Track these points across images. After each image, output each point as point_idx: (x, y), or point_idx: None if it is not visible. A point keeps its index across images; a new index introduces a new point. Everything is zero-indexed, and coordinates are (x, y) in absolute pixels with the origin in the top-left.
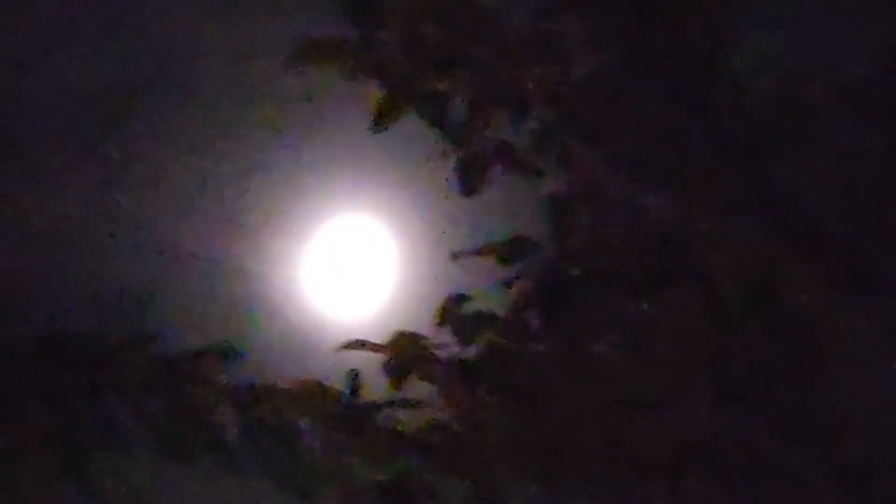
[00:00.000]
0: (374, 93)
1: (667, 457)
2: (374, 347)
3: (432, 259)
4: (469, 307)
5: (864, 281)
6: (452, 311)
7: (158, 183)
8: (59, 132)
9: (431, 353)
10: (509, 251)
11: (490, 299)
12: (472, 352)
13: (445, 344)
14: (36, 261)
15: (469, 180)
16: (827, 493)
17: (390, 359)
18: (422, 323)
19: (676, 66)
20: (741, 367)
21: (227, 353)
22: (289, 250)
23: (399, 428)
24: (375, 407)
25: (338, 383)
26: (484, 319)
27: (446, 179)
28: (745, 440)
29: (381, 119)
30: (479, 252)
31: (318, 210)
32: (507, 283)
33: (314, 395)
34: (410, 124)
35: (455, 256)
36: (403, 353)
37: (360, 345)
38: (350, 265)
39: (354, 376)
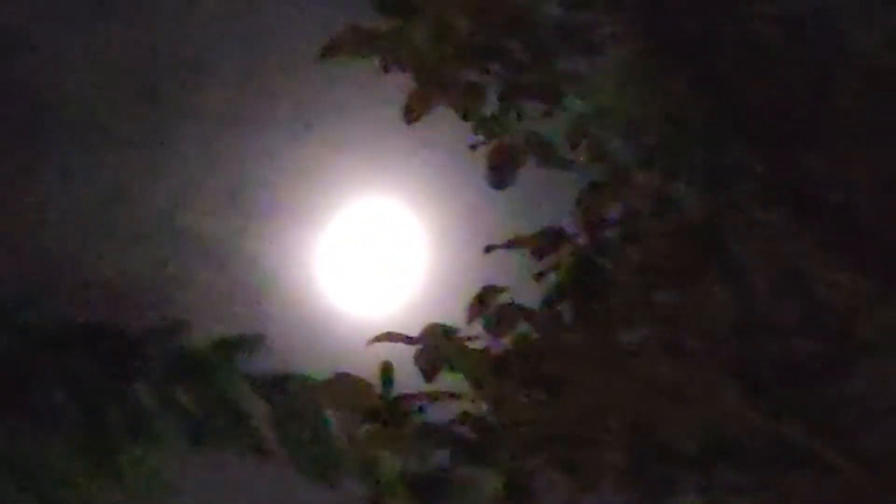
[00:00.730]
0: (405, 84)
1: (697, 447)
2: (407, 340)
3: (463, 251)
4: (501, 299)
5: None
6: (485, 304)
7: (183, 171)
8: (76, 120)
9: (464, 346)
10: (541, 243)
11: (521, 291)
12: (504, 344)
13: (477, 336)
14: (52, 249)
15: (500, 172)
16: (856, 484)
17: (422, 351)
18: (451, 315)
19: (707, 56)
20: (771, 359)
21: (252, 343)
22: (315, 243)
23: (431, 420)
24: (408, 399)
25: (364, 374)
26: (516, 312)
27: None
28: (775, 431)
29: (413, 111)
30: (510, 244)
31: (345, 202)
32: (539, 276)
33: (348, 387)
34: (441, 116)
35: (487, 249)
36: (436, 346)
37: (391, 337)
38: (378, 257)
39: (387, 368)
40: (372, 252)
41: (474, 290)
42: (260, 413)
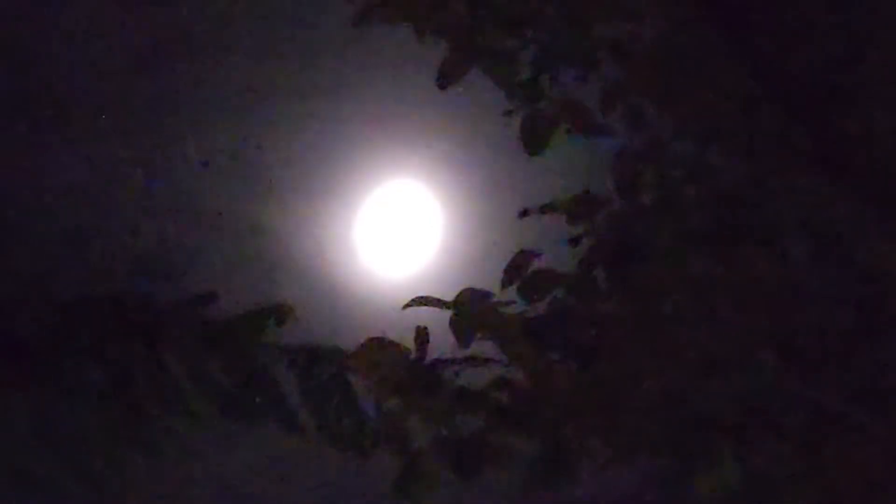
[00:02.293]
0: (440, 51)
1: (731, 415)
2: (441, 304)
3: (496, 217)
4: (536, 265)
5: None
6: (519, 269)
7: (199, 147)
8: (94, 95)
9: (499, 311)
10: (577, 209)
11: (557, 257)
12: (539, 309)
13: (512, 301)
14: (70, 224)
15: (535, 139)
16: (891, 451)
17: (457, 316)
18: (484, 281)
19: (744, 22)
20: (808, 326)
21: (283, 314)
22: (341, 215)
23: (466, 385)
24: (442, 364)
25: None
26: (551, 277)
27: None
28: (811, 399)
29: (447, 76)
30: (545, 209)
31: (377, 168)
32: (574, 241)
33: (381, 352)
34: (476, 82)
35: (522, 214)
36: (471, 311)
37: (425, 302)
38: (407, 228)
39: (422, 334)
40: (400, 223)
41: (507, 259)
42: (290, 384)
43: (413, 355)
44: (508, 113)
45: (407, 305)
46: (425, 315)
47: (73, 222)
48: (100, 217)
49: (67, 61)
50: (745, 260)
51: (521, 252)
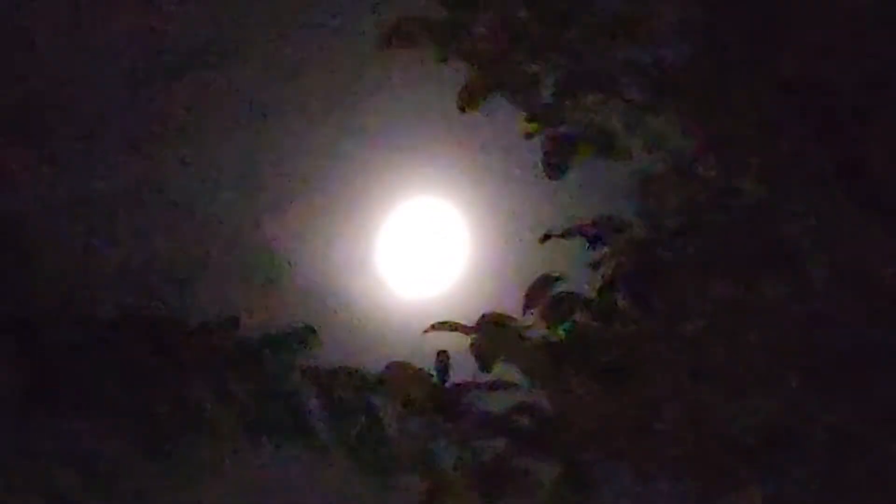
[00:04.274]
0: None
1: (754, 437)
2: (463, 329)
3: (518, 240)
4: (558, 288)
5: None
6: (541, 292)
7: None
8: (105, 109)
9: (520, 335)
10: (598, 232)
11: (578, 280)
12: (560, 333)
13: (534, 325)
14: (79, 242)
15: (557, 162)
16: None
17: (479, 341)
18: (505, 305)
19: (767, 47)
20: (831, 349)
21: (307, 336)
22: (367, 231)
23: (488, 410)
24: (465, 389)
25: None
26: (573, 301)
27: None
28: (834, 422)
29: (469, 98)
30: (567, 233)
31: (397, 191)
32: (595, 265)
33: (403, 377)
34: (498, 106)
35: (544, 238)
36: (492, 335)
37: (448, 327)
38: (432, 247)
39: (444, 358)
40: (421, 246)
41: (528, 282)
42: (314, 406)
43: (435, 379)
44: (530, 136)
45: (428, 330)
46: (447, 338)
47: (94, 241)
48: (121, 237)
49: (79, 75)
50: (768, 283)
51: (543, 276)
